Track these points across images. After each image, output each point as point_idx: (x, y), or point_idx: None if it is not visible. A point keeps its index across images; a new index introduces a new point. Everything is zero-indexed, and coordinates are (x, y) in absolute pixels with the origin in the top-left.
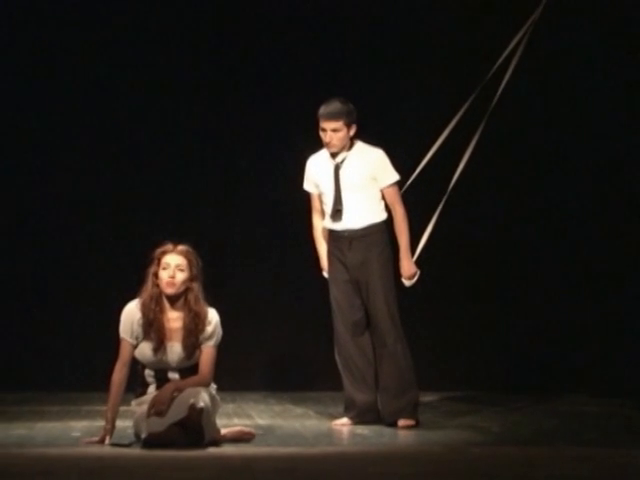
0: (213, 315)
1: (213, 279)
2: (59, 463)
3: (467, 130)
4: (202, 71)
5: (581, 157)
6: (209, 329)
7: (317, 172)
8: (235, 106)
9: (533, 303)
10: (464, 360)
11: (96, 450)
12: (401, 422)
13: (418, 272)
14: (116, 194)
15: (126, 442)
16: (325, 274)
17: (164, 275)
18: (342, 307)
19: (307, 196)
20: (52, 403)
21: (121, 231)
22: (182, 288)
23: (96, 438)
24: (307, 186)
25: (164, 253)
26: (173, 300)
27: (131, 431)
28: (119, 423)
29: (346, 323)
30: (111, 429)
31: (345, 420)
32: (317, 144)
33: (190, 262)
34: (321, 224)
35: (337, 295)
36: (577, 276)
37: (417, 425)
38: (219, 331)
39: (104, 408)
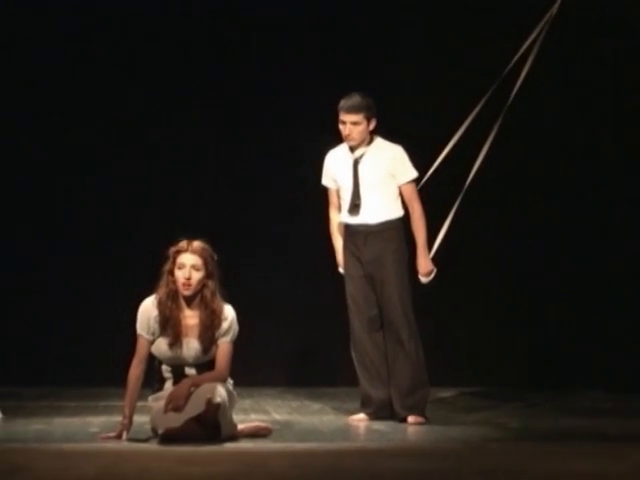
0: (229, 311)
1: (228, 275)
2: (77, 458)
3: (484, 126)
4: (217, 62)
5: (602, 152)
6: (225, 325)
7: (336, 166)
8: (250, 101)
9: (550, 299)
10: (481, 356)
11: (113, 445)
12: (411, 419)
13: (435, 270)
14: (131, 188)
15: (143, 437)
16: (341, 270)
17: (180, 276)
18: (358, 302)
19: (324, 191)
20: (70, 398)
21: (137, 225)
22: (198, 287)
23: (113, 433)
24: (325, 181)
25: (179, 252)
26: (189, 298)
27: (148, 426)
28: (136, 418)
29: (362, 319)
30: (128, 424)
31: (362, 416)
32: (334, 138)
33: (205, 260)
34: (338, 219)
35: (352, 290)
36: (594, 271)
37: (427, 422)
38: (235, 327)
39: (121, 404)
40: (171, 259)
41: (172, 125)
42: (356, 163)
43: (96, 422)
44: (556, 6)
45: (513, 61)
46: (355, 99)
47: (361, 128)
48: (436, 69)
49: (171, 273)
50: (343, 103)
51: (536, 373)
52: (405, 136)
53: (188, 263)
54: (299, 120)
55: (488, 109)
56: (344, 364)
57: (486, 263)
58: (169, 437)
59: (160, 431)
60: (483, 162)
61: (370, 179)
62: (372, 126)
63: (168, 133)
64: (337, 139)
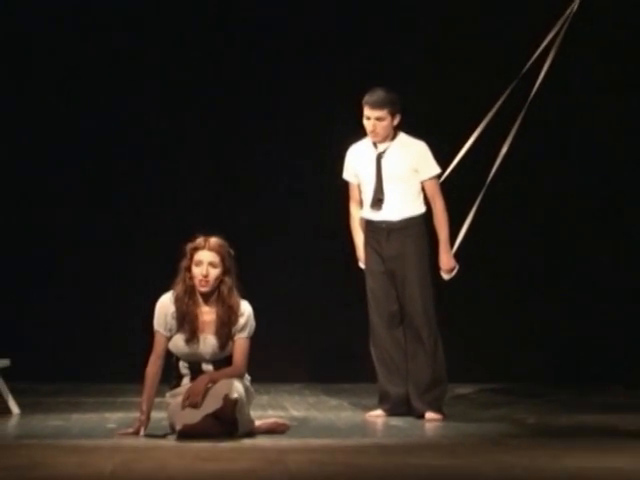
0: (246, 307)
1: (246, 271)
2: (94, 454)
3: (507, 121)
4: (233, 59)
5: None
6: (242, 321)
7: (358, 161)
8: (264, 97)
9: (568, 296)
10: (500, 352)
11: (131, 441)
12: (428, 415)
13: (457, 266)
14: (146, 187)
15: (161, 434)
16: (361, 265)
17: (197, 273)
18: (378, 298)
19: (344, 186)
20: (87, 394)
21: (154, 222)
22: (216, 284)
23: (131, 429)
24: (347, 175)
25: (196, 249)
26: (206, 294)
27: (166, 423)
28: (154, 414)
29: (382, 315)
30: (146, 420)
31: (379, 412)
32: (351, 133)
33: (222, 256)
34: (359, 214)
35: (373, 286)
36: (611, 269)
37: (444, 419)
38: (252, 323)
39: (139, 400)
40: (188, 256)
41: (185, 122)
42: (379, 158)
43: (113, 418)
44: (576, 2)
45: (534, 56)
46: (379, 94)
47: (385, 123)
48: (456, 65)
49: (188, 269)
50: (367, 98)
51: (555, 369)
52: (425, 131)
53: (205, 260)
54: (318, 114)
55: (511, 103)
56: (362, 360)
57: (504, 259)
58: (186, 433)
59: (178, 427)
60: (505, 157)
61: (393, 174)
62: (396, 121)
63: (180, 130)
64: (354, 132)
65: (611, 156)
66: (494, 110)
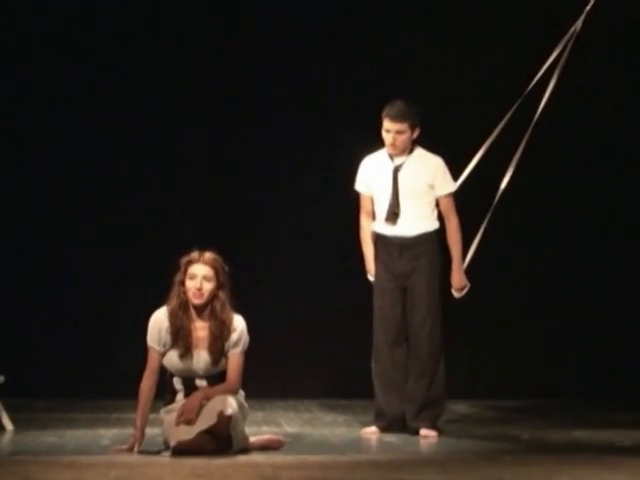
0: (239, 322)
1: (241, 285)
2: (89, 471)
3: (516, 135)
4: (235, 63)
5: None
6: (234, 336)
7: (373, 173)
8: (274, 108)
9: (564, 310)
10: (494, 368)
11: (125, 458)
12: (423, 432)
13: (468, 285)
14: (144, 200)
15: (155, 450)
16: (370, 277)
17: (191, 286)
18: (386, 316)
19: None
20: (82, 411)
21: (148, 236)
22: (209, 298)
23: (125, 446)
24: (360, 186)
25: (190, 262)
26: (200, 309)
27: (160, 439)
28: (148, 431)
29: (388, 333)
30: (140, 437)
31: (374, 429)
32: (362, 143)
33: (216, 271)
34: (370, 226)
35: (382, 304)
36: (609, 284)
37: (439, 436)
38: (245, 338)
39: (133, 416)
40: (182, 269)
41: (184, 132)
42: (396, 171)
43: (108, 434)
44: (581, 18)
45: (540, 73)
46: (400, 107)
47: (405, 137)
48: (463, 81)
49: (182, 283)
50: (388, 110)
51: (549, 385)
52: (435, 146)
53: (199, 274)
54: (328, 127)
55: (518, 119)
56: (357, 376)
57: (502, 276)
58: (181, 450)
59: (172, 444)
60: (514, 174)
61: (409, 189)
62: (415, 135)
63: (178, 141)
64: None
65: (626, 168)
66: (502, 124)
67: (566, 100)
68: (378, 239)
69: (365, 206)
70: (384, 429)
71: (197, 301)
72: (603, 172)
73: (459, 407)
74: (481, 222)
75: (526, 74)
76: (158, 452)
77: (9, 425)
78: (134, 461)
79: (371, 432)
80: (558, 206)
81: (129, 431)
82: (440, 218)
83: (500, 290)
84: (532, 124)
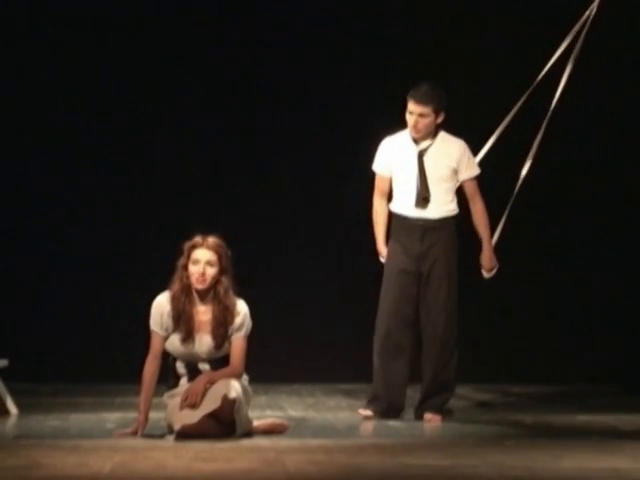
0: (242, 306)
1: (244, 270)
2: (93, 454)
3: (530, 121)
4: (236, 57)
5: None
6: (238, 320)
7: (396, 155)
8: (276, 103)
9: (568, 295)
10: (499, 352)
11: (129, 442)
12: (428, 416)
13: (497, 265)
14: (149, 186)
15: (159, 434)
16: (382, 259)
17: (194, 271)
18: (397, 300)
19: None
20: (86, 395)
21: (154, 222)
22: (212, 282)
23: (129, 430)
24: (379, 167)
25: (194, 247)
26: (203, 293)
27: (164, 423)
28: (152, 415)
29: (398, 316)
30: (144, 421)
31: (369, 412)
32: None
33: (220, 255)
34: (385, 207)
35: (394, 285)
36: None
37: (442, 420)
38: (248, 322)
39: (137, 400)
40: (185, 254)
41: (187, 121)
42: (421, 155)
43: (112, 418)
44: (595, 3)
45: (554, 58)
46: (425, 90)
47: (428, 121)
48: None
49: (185, 268)
50: (413, 92)
51: (553, 370)
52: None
53: (203, 258)
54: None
55: (535, 104)
56: (360, 361)
57: (508, 260)
58: (185, 434)
59: (176, 428)
60: (535, 157)
61: (434, 173)
62: (440, 120)
63: (180, 129)
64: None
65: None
66: (514, 111)
67: (583, 85)
68: (397, 220)
69: (381, 187)
70: (379, 414)
71: (200, 286)
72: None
73: (463, 391)
74: (501, 206)
75: (542, 59)
76: (162, 436)
77: (13, 409)
78: (138, 445)
79: (367, 414)
80: (583, 191)
81: (133, 415)
82: (459, 204)
83: (504, 276)
84: (550, 110)
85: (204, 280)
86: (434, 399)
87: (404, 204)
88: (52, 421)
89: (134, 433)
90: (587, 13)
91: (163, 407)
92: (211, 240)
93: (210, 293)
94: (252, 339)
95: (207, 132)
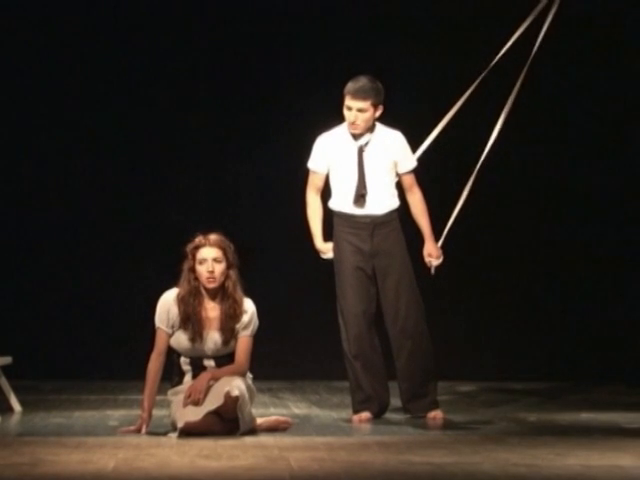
0: (249, 305)
1: (248, 266)
2: (96, 452)
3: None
4: (232, 58)
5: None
6: (245, 318)
7: (335, 152)
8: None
9: (566, 292)
10: (502, 350)
11: (133, 439)
12: (431, 414)
13: (442, 255)
14: (149, 185)
15: (162, 431)
16: (324, 255)
17: (202, 270)
18: (361, 296)
19: (306, 173)
20: (90, 392)
21: (156, 220)
22: (222, 279)
23: (133, 427)
24: (316, 164)
25: (197, 248)
26: (212, 291)
27: (167, 420)
28: (156, 412)
29: (366, 316)
30: (148, 418)
31: (368, 415)
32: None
33: (225, 251)
34: (320, 204)
35: (353, 283)
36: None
37: (445, 414)
38: (255, 321)
39: (141, 397)
40: (190, 256)
41: (186, 124)
42: (361, 151)
43: (115, 415)
44: None
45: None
46: (363, 83)
47: (367, 116)
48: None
49: (192, 270)
50: (350, 87)
51: (556, 367)
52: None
53: (209, 257)
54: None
55: (489, 93)
56: None
57: (509, 258)
58: (188, 431)
59: (179, 425)
60: (492, 146)
61: (376, 168)
62: (378, 114)
63: (180, 131)
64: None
65: (610, 144)
66: (460, 102)
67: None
68: (342, 219)
69: (317, 184)
70: (374, 414)
71: (212, 285)
72: (595, 138)
73: (466, 389)
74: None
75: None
76: (165, 433)
77: (17, 406)
78: (141, 442)
79: (364, 418)
80: (556, 174)
81: (137, 412)
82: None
83: (506, 272)
84: (516, 87)
85: (215, 279)
86: (428, 396)
87: (344, 201)
88: (56, 418)
89: (138, 430)
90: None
91: (167, 404)
92: (213, 237)
93: (219, 289)
94: (257, 337)
95: (207, 131)
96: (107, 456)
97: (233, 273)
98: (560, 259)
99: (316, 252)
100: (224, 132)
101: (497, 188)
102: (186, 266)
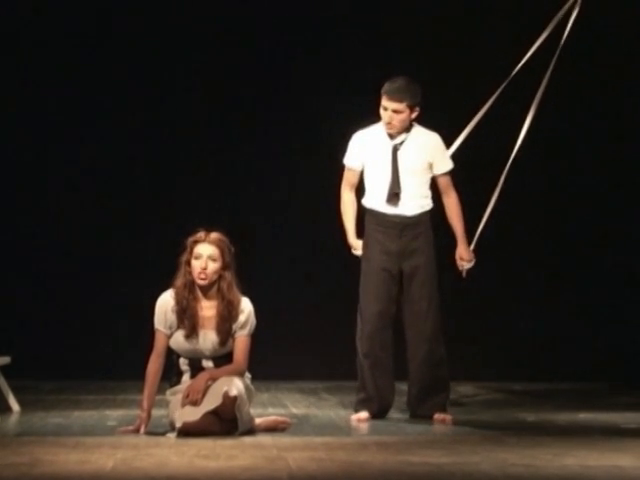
0: (246, 304)
1: (248, 266)
2: (95, 451)
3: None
4: (234, 56)
5: None
6: (242, 318)
7: (370, 150)
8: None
9: (565, 292)
10: (501, 350)
11: (131, 439)
12: (439, 417)
13: (474, 258)
14: (149, 184)
15: (161, 431)
16: (356, 252)
17: (196, 265)
18: (380, 297)
19: (341, 170)
20: (88, 392)
21: (155, 219)
22: (214, 277)
23: (131, 427)
24: (351, 161)
25: (196, 242)
26: (206, 289)
27: (166, 420)
28: (154, 412)
29: (382, 316)
30: (147, 418)
31: (366, 414)
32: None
33: (222, 251)
34: (354, 200)
35: (377, 283)
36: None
37: (452, 419)
38: (253, 320)
39: (140, 397)
40: (188, 249)
41: (189, 116)
42: (395, 150)
43: (114, 415)
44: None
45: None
46: (399, 84)
47: (403, 117)
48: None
49: (188, 263)
50: (387, 87)
51: (555, 367)
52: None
53: (205, 253)
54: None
55: (513, 97)
56: None
57: (511, 259)
58: (187, 431)
59: (178, 425)
60: (520, 148)
61: (411, 168)
62: (414, 115)
63: (185, 123)
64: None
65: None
66: (489, 103)
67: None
68: (373, 217)
69: (351, 180)
70: (375, 415)
71: (202, 282)
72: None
73: (465, 389)
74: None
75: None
76: (164, 433)
77: (16, 406)
78: (140, 442)
79: (362, 418)
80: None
81: (135, 412)
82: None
83: (506, 272)
84: (541, 89)
85: (206, 275)
86: (437, 398)
87: (377, 200)
88: (54, 418)
89: (136, 430)
90: (567, 5)
91: (165, 404)
92: (213, 235)
93: (214, 289)
94: (255, 336)
95: (207, 132)
96: (106, 456)
97: (228, 274)
98: (560, 259)
99: (348, 248)
100: (224, 132)
101: (529, 188)
102: (183, 258)
